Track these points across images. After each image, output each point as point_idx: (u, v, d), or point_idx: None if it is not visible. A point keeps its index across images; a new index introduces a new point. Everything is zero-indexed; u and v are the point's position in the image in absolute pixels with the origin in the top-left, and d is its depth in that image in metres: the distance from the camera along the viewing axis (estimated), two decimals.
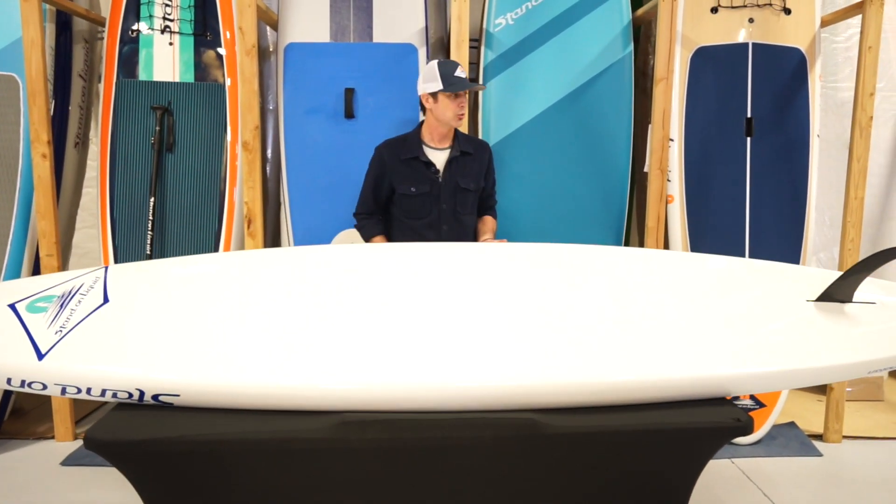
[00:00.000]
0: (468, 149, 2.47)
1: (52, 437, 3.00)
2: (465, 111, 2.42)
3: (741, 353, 1.74)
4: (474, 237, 2.63)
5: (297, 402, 1.62)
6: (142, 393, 1.62)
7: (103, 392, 1.63)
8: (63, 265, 3.41)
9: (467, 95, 2.44)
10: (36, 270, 3.00)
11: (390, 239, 2.55)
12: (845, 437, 3.08)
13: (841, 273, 1.90)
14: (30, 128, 2.82)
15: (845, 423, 3.07)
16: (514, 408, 1.62)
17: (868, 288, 1.97)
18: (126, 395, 1.62)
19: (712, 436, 1.61)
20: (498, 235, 3.03)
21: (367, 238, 2.46)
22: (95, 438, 1.48)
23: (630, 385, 1.65)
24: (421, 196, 2.41)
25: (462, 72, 2.41)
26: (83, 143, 3.38)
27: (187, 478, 1.57)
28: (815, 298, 1.91)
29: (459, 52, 2.84)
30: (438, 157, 2.44)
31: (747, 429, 1.60)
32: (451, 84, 2.34)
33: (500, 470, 1.63)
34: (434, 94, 2.37)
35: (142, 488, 1.57)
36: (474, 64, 3.24)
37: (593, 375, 1.63)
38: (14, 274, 2.91)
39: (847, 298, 1.90)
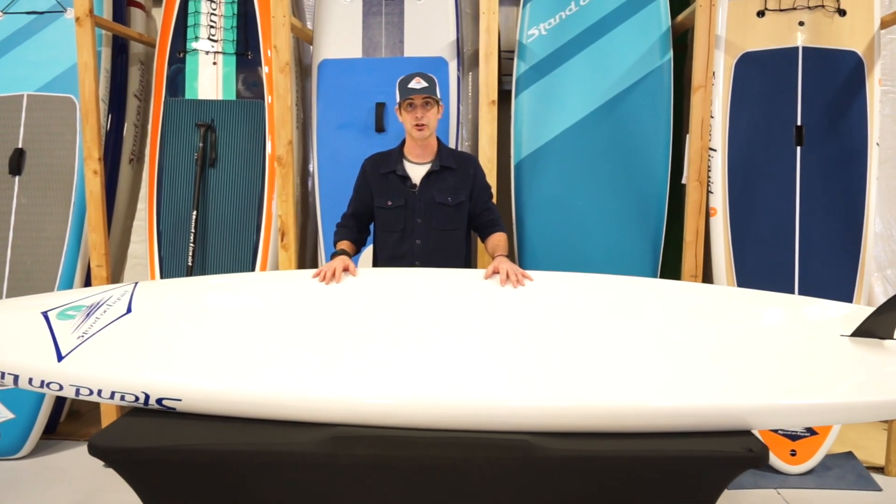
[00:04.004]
0: (450, 163, 2.41)
1: None
2: (428, 122, 2.31)
3: (762, 386, 1.64)
4: (465, 255, 2.52)
5: (291, 412, 1.64)
6: (147, 396, 1.68)
7: (112, 395, 1.69)
8: (118, 275, 3.59)
9: (436, 107, 2.33)
10: (88, 280, 3.16)
11: (374, 251, 2.54)
12: None
13: (875, 307, 1.76)
14: (83, 145, 2.99)
15: None
16: (511, 429, 1.57)
17: None
18: (133, 399, 1.69)
19: (721, 466, 1.51)
20: (530, 250, 2.98)
21: (335, 242, 2.43)
22: (97, 445, 1.54)
23: (634, 411, 1.57)
24: (396, 209, 2.39)
25: (419, 82, 2.29)
26: (138, 160, 3.55)
27: (184, 486, 1.60)
28: (850, 333, 1.78)
29: (488, 64, 2.81)
30: (416, 172, 2.40)
31: (761, 459, 1.50)
32: (402, 96, 2.32)
33: (495, 494, 1.58)
34: (399, 110, 2.36)
35: (141, 494, 1.61)
36: (508, 76, 3.21)
37: (590, 400, 1.57)
38: (68, 283, 3.08)
39: (888, 335, 1.76)
